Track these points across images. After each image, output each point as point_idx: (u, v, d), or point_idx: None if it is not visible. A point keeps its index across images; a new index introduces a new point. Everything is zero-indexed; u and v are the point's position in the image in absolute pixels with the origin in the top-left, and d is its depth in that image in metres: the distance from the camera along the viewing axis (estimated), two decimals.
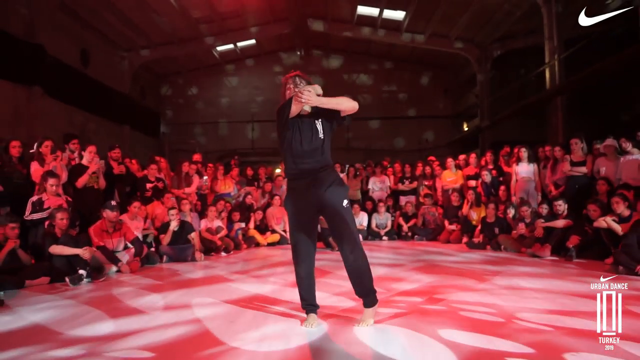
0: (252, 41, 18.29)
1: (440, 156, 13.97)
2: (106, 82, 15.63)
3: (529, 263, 5.94)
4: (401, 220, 9.65)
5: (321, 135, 3.08)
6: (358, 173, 10.49)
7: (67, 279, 4.82)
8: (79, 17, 14.16)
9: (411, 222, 9.54)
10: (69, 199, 5.85)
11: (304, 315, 3.18)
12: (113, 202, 5.97)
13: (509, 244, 7.22)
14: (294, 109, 3.01)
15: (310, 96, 2.88)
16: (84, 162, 6.27)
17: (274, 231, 8.94)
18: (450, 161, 9.47)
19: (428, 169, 10.05)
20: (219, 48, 18.47)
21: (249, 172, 10.09)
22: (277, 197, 9.19)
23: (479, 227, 8.04)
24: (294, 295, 3.47)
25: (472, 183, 9.04)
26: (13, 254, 4.85)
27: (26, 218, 5.41)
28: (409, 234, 9.44)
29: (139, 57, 17.37)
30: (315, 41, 18.99)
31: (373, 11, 15.71)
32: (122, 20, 15.03)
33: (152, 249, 6.81)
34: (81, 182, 6.11)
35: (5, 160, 5.63)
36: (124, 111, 16.70)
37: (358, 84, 20.29)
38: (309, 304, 3.18)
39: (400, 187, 10.10)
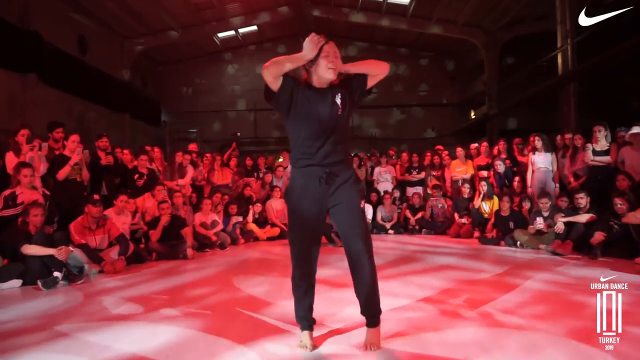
0: (254, 27, 17.74)
1: (447, 145, 13.48)
2: (105, 70, 15.16)
3: (553, 262, 5.44)
4: (408, 213, 9.14)
5: (340, 112, 2.49)
6: (362, 163, 10.00)
7: (39, 283, 4.39)
8: (77, 2, 13.69)
9: (419, 215, 9.03)
10: (47, 192, 5.39)
11: (298, 329, 2.69)
12: (96, 197, 5.51)
13: (525, 239, 6.69)
14: (321, 75, 2.48)
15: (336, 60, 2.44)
16: (66, 152, 5.80)
17: (273, 225, 8.48)
18: (459, 150, 8.94)
19: (437, 159, 9.51)
20: (220, 35, 17.98)
21: (248, 162, 9.60)
22: (277, 189, 8.71)
23: (492, 221, 7.53)
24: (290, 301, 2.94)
25: (484, 174, 8.52)
26: None
27: None
28: (417, 227, 8.94)
29: (139, 44, 16.88)
30: (318, 28, 18.34)
31: None
32: (120, 6, 14.52)
33: (142, 246, 6.38)
34: (62, 174, 5.66)
35: None
36: (124, 99, 16.25)
37: None
38: (304, 319, 2.66)
39: (408, 177, 9.58)
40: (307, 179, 2.52)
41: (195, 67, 19.77)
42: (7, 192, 4.99)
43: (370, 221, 9.03)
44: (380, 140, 19.23)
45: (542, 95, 13.51)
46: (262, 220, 8.50)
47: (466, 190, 8.45)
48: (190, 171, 7.77)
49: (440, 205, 8.86)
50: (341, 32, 18.82)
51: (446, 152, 9.56)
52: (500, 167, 8.19)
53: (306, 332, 2.66)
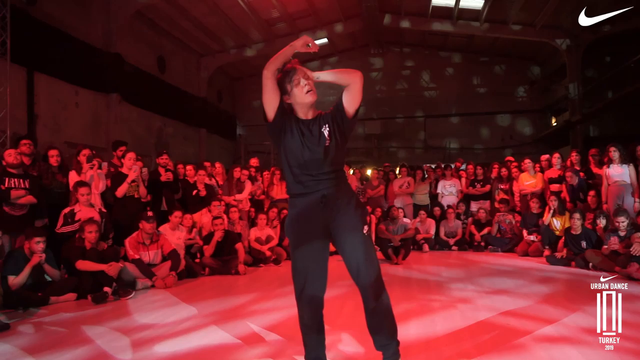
0: (325, 40, 17.89)
1: (527, 154, 12.76)
2: (182, 87, 16.00)
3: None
4: (473, 229, 8.71)
5: (327, 141, 2.45)
6: (426, 176, 9.67)
7: (89, 297, 4.62)
8: (155, 24, 14.51)
9: (484, 231, 8.57)
10: (103, 210, 5.70)
11: None
12: (149, 213, 5.74)
13: (598, 261, 6.10)
14: (301, 104, 2.48)
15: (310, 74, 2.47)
16: (124, 170, 6.11)
17: None
18: (527, 162, 8.38)
19: (504, 171, 8.99)
20: None
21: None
22: None
23: (563, 239, 6.97)
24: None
25: (556, 187, 7.92)
26: (39, 270, 4.71)
27: (57, 231, 5.31)
28: (482, 244, 8.48)
29: (215, 61, 17.59)
30: (389, 37, 18.27)
31: (449, 1, 14.64)
32: (196, 26, 15.23)
33: (197, 260, 6.56)
34: (120, 191, 5.96)
35: (43, 169, 5.58)
36: (201, 115, 17.01)
37: (434, 79, 19.27)
38: (315, 358, 2.54)
39: (472, 191, 9.12)
40: (306, 207, 2.45)
41: None
42: (67, 210, 5.34)
43: (432, 237, 8.72)
44: (455, 151, 18.66)
45: (632, 99, 12.41)
46: None
47: (535, 205, 7.89)
48: (248, 186, 7.90)
49: (507, 221, 8.35)
50: (413, 40, 18.55)
51: (515, 164, 9.00)
52: (574, 179, 7.58)
53: None
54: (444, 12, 15.57)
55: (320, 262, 2.48)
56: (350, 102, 2.47)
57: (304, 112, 2.51)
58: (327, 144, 2.45)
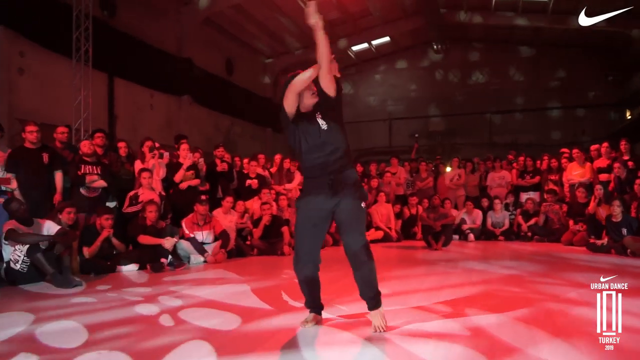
0: (387, 38, 18.15)
1: None
2: (249, 88, 16.86)
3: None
4: (520, 219, 8.74)
5: (324, 126, 2.91)
6: (476, 168, 9.77)
7: (148, 267, 5.34)
8: (223, 30, 15.42)
9: (532, 221, 8.58)
10: (163, 193, 6.46)
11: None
12: (203, 197, 6.45)
13: (637, 247, 6.09)
14: (307, 104, 2.97)
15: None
16: (180, 159, 6.86)
17: (378, 228, 8.77)
18: (576, 152, 8.31)
19: (554, 162, 8.92)
20: (354, 48, 18.68)
21: (359, 168, 10.01)
22: (382, 194, 8.99)
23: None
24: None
25: (604, 177, 7.82)
26: (108, 242, 5.50)
27: (124, 210, 6.13)
28: (529, 234, 8.50)
29: (280, 62, 18.32)
30: (451, 33, 18.13)
31: None
32: (262, 29, 16.03)
33: (247, 242, 7.19)
34: (177, 177, 6.74)
35: (113, 159, 6.44)
36: (266, 114, 17.78)
37: (500, 73, 18.89)
38: (310, 305, 3.07)
39: (521, 182, 9.13)
40: (315, 187, 2.91)
41: None
42: (131, 193, 6.16)
43: (479, 227, 8.84)
44: (523, 146, 18.20)
45: None
46: (367, 224, 8.85)
47: (582, 194, 7.84)
48: (297, 176, 8.47)
49: (554, 211, 8.32)
50: (476, 35, 18.32)
51: (566, 155, 8.92)
52: (621, 170, 7.47)
53: (312, 314, 3.04)
54: (508, 5, 15.33)
55: (319, 234, 2.93)
56: (326, 85, 2.92)
57: (305, 107, 2.99)
58: (324, 128, 2.91)
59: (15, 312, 3.52)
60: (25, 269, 4.56)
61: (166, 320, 3.17)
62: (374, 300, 2.90)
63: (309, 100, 2.95)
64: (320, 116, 2.94)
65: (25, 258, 4.53)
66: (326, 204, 2.85)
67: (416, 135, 18.00)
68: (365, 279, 2.88)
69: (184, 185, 6.79)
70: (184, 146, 6.88)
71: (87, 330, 2.95)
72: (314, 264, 2.92)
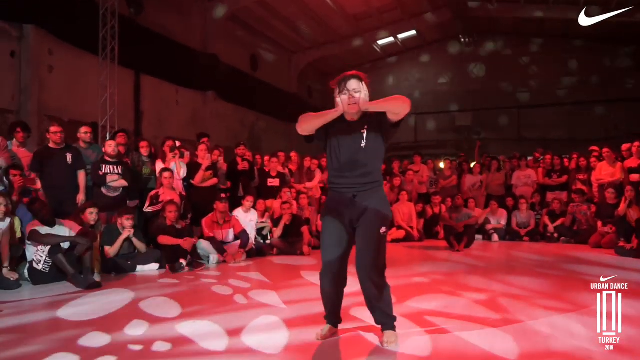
0: (413, 32, 17.91)
1: None
2: (274, 84, 16.87)
3: None
4: (547, 220, 8.52)
5: (363, 144, 2.72)
6: (502, 166, 9.57)
7: (167, 267, 5.41)
8: (248, 25, 15.46)
9: (558, 222, 8.36)
10: (183, 193, 6.52)
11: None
12: (222, 195, 6.51)
13: None
14: (345, 111, 2.71)
15: (357, 101, 2.65)
16: (199, 160, 6.91)
17: (399, 227, 8.69)
18: (607, 151, 8.04)
19: (583, 161, 8.67)
20: (380, 42, 18.50)
21: (382, 166, 9.89)
22: (404, 192, 8.89)
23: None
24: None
25: (636, 177, 7.56)
26: (129, 242, 5.58)
27: (144, 210, 6.21)
28: (555, 235, 8.29)
29: (305, 57, 18.32)
30: (480, 26, 17.81)
31: None
32: (286, 24, 16.00)
33: (268, 241, 7.21)
34: (197, 179, 6.76)
35: (134, 158, 6.53)
36: (291, 110, 17.69)
37: (529, 68, 18.43)
38: (329, 317, 3.00)
39: (548, 181, 8.91)
40: (338, 201, 2.80)
41: None
42: (152, 193, 6.23)
43: (504, 227, 8.68)
44: (552, 142, 17.77)
45: None
46: (389, 224, 8.76)
47: (611, 195, 7.59)
48: (318, 175, 8.44)
49: (582, 212, 8.09)
50: (505, 28, 17.92)
51: (595, 154, 8.64)
52: None
53: (329, 326, 2.97)
54: None
55: (344, 244, 2.79)
56: (394, 117, 2.69)
57: (349, 115, 2.77)
58: (362, 146, 2.71)
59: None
60: (47, 269, 4.67)
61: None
62: (387, 324, 2.84)
63: (347, 108, 2.69)
64: (365, 130, 2.75)
65: (47, 258, 4.63)
66: (347, 220, 2.75)
67: (480, 135, 17.68)
68: (373, 300, 2.80)
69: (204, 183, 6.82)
70: (202, 147, 6.91)
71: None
72: (334, 275, 2.81)
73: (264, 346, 2.79)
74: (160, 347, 2.79)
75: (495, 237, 8.49)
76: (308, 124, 2.76)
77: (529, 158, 9.86)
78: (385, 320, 2.83)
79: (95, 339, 2.91)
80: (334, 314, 2.98)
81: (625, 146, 8.21)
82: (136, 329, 3.12)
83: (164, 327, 3.18)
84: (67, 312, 3.65)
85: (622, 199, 7.37)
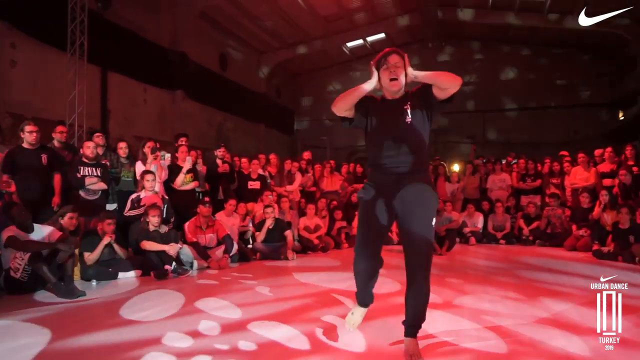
0: (382, 35, 18.01)
1: (592, 149, 12.37)
2: (243, 83, 16.64)
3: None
4: (522, 223, 8.69)
5: (408, 119, 2.57)
6: (477, 170, 9.70)
7: (152, 274, 5.17)
8: (218, 24, 15.17)
9: (533, 225, 8.54)
10: (165, 196, 6.26)
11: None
12: (206, 199, 6.27)
13: None
14: (385, 87, 2.63)
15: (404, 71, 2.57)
16: (179, 162, 6.66)
17: None
18: (581, 156, 8.27)
19: (556, 166, 8.90)
20: (349, 44, 18.53)
21: (359, 169, 9.89)
22: None
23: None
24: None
25: (608, 182, 7.79)
26: (110, 248, 5.29)
27: (125, 214, 5.92)
28: (530, 238, 8.46)
29: (274, 57, 18.13)
30: (448, 31, 18.09)
31: None
32: (257, 24, 15.81)
33: (250, 246, 7.03)
34: (177, 182, 6.51)
35: (113, 160, 6.23)
36: (260, 110, 17.61)
37: (495, 72, 18.90)
38: (361, 298, 3.00)
39: (522, 185, 9.09)
40: (379, 186, 2.66)
41: (327, 77, 20.55)
42: (133, 196, 5.95)
43: (480, 230, 8.79)
44: (516, 145, 18.24)
45: None
46: None
47: (585, 199, 7.81)
48: (298, 178, 8.31)
49: (557, 215, 8.28)
50: (472, 33, 18.28)
51: (568, 158, 8.88)
52: (627, 176, 7.44)
53: (360, 308, 3.02)
54: (505, 4, 15.29)
55: (382, 229, 2.69)
56: (442, 93, 2.55)
57: (390, 93, 2.68)
58: (407, 121, 2.58)
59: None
60: (26, 278, 4.37)
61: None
62: (414, 329, 2.69)
63: (388, 85, 2.61)
64: (409, 106, 2.61)
65: (26, 267, 4.33)
66: (389, 200, 2.61)
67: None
68: (416, 300, 2.64)
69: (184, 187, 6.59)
70: (183, 148, 6.67)
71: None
72: (368, 257, 2.75)
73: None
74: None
75: (473, 240, 8.58)
76: (343, 102, 2.64)
77: (503, 162, 10.05)
78: (414, 323, 2.67)
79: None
80: (367, 295, 2.97)
81: (598, 152, 8.46)
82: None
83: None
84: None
85: (596, 203, 7.59)
